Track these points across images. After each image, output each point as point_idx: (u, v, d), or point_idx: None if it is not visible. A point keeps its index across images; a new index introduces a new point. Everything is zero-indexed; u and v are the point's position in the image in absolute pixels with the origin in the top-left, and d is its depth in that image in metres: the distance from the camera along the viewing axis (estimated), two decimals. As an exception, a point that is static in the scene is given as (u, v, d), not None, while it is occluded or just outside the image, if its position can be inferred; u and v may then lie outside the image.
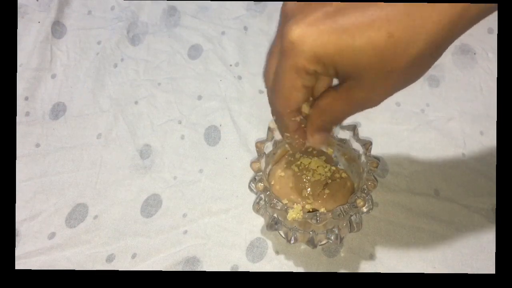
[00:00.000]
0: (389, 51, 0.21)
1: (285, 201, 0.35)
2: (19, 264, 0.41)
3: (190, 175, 0.45)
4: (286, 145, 0.33)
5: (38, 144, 0.48)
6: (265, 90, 0.52)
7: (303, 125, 0.28)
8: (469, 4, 0.20)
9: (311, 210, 0.36)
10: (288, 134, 0.29)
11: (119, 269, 0.40)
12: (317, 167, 0.38)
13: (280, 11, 0.25)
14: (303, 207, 0.35)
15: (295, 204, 0.35)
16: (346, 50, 0.21)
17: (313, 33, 0.22)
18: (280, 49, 0.24)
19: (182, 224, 0.42)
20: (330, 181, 0.37)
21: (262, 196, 0.36)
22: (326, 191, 0.37)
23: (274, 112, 0.28)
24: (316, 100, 0.27)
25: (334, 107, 0.26)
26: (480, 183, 0.43)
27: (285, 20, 0.24)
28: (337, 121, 0.28)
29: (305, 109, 0.28)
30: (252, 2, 0.56)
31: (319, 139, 0.28)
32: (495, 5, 0.21)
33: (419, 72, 0.24)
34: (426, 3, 0.20)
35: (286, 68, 0.24)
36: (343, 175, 0.38)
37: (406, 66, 0.22)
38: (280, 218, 0.36)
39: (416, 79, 0.24)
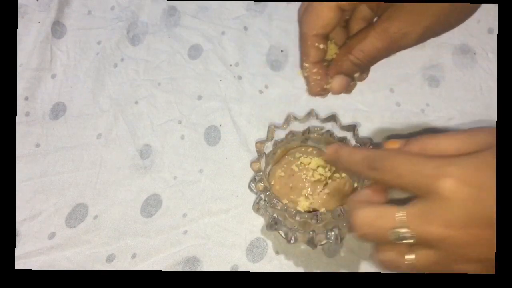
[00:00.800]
0: None
1: (285, 201, 0.35)
2: (19, 264, 0.41)
3: (190, 175, 0.45)
4: (304, 81, 0.29)
5: (38, 144, 0.48)
6: (264, 90, 0.52)
7: (325, 64, 0.26)
8: None
9: (311, 210, 0.36)
10: (307, 65, 0.27)
11: (119, 269, 0.40)
12: (317, 167, 0.38)
13: None
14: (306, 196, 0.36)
15: (298, 199, 0.36)
16: None
17: None
18: None
19: (182, 224, 0.42)
20: (330, 181, 0.37)
21: (262, 196, 0.36)
22: (326, 191, 0.37)
23: (300, 33, 0.26)
24: (346, 40, 0.25)
25: (367, 45, 0.24)
26: (480, 183, 0.43)
27: None
28: (366, 62, 0.25)
29: (332, 50, 0.26)
30: (252, 2, 0.56)
31: (339, 83, 0.27)
32: None
33: (459, 14, 0.22)
34: None
35: None
36: (343, 175, 0.38)
37: None
38: (280, 218, 0.36)
39: (454, 21, 0.23)
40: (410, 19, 0.23)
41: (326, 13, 0.23)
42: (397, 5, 0.22)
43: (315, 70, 0.27)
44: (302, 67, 0.27)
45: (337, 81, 0.26)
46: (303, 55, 0.26)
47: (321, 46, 0.25)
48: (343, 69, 0.26)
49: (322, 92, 0.28)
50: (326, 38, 0.25)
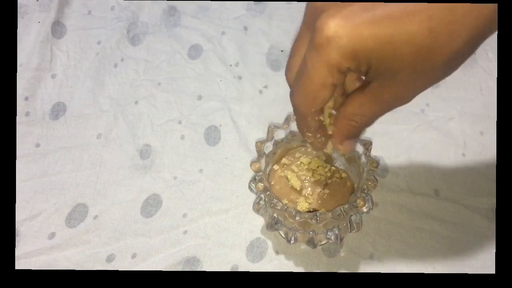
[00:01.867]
0: (428, 47, 0.20)
1: (285, 201, 0.35)
2: (19, 264, 0.41)
3: (190, 175, 0.45)
4: (308, 145, 0.32)
5: (38, 144, 0.48)
6: (264, 90, 0.52)
7: (324, 123, 0.27)
8: None
9: (311, 210, 0.36)
10: (310, 134, 0.27)
11: (119, 269, 0.40)
12: (317, 167, 0.38)
13: (307, 5, 0.24)
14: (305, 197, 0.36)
15: (298, 199, 0.36)
16: (385, 44, 0.20)
17: (350, 27, 0.20)
18: (311, 45, 0.22)
19: (182, 224, 0.42)
20: (330, 181, 0.37)
21: (262, 196, 0.36)
22: (326, 191, 0.37)
23: (296, 112, 0.26)
24: (342, 107, 0.26)
25: (363, 110, 0.25)
26: (480, 183, 0.43)
27: (315, 13, 0.22)
28: (367, 124, 0.26)
29: (326, 110, 0.27)
30: (252, 2, 0.56)
31: (349, 146, 0.27)
32: None
33: (454, 68, 0.23)
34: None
35: (317, 65, 0.22)
36: (343, 175, 0.38)
37: (444, 62, 0.21)
38: (280, 218, 0.36)
39: (448, 75, 0.23)
40: (402, 88, 0.23)
41: (322, 93, 0.23)
42: (388, 75, 0.22)
43: (318, 135, 0.28)
44: (303, 135, 0.28)
45: (347, 145, 0.27)
46: (304, 128, 0.27)
47: (321, 118, 0.26)
48: (349, 135, 0.27)
49: (326, 145, 0.29)
50: (322, 110, 0.26)
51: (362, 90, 0.24)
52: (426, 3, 0.20)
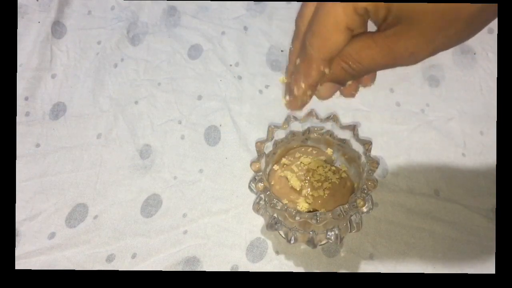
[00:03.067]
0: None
1: (285, 201, 0.35)
2: (19, 264, 0.41)
3: (190, 175, 0.45)
4: (283, 99, 0.27)
5: (38, 144, 0.48)
6: (264, 90, 0.52)
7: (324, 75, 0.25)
8: None
9: (311, 210, 0.36)
10: (304, 85, 0.25)
11: (119, 269, 0.40)
12: (317, 167, 0.38)
13: None
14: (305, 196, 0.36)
15: (298, 199, 0.36)
16: None
17: None
18: None
19: (182, 224, 0.42)
20: (330, 181, 0.37)
21: (262, 196, 0.36)
22: (326, 191, 0.37)
23: (306, 55, 0.24)
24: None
25: (365, 53, 0.23)
26: (480, 183, 0.43)
27: None
28: (361, 72, 0.24)
29: None
30: (252, 2, 0.56)
31: (329, 90, 0.25)
32: None
33: (475, 30, 0.21)
34: None
35: (331, 4, 0.21)
36: (343, 175, 0.38)
37: (469, 17, 0.20)
38: (280, 218, 0.36)
39: (467, 37, 0.22)
40: (419, 40, 0.21)
41: (336, 37, 0.22)
42: (407, 23, 0.21)
43: (309, 92, 0.25)
44: (298, 85, 0.25)
45: (327, 88, 0.25)
46: (304, 75, 0.24)
47: (326, 70, 0.24)
48: (336, 77, 0.24)
49: (301, 108, 0.27)
50: (331, 62, 0.24)
51: (372, 34, 0.22)
52: None
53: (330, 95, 0.25)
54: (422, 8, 0.20)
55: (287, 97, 0.26)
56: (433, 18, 0.20)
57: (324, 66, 0.24)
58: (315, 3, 0.23)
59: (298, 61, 0.24)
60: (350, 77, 0.24)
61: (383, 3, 0.20)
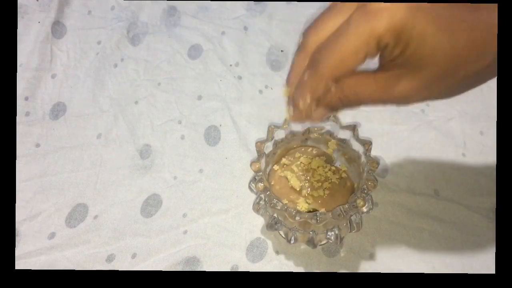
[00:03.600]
0: (472, 54, 0.21)
1: (285, 201, 0.35)
2: (19, 264, 0.41)
3: (190, 175, 0.45)
4: (287, 112, 0.28)
5: (38, 144, 0.48)
6: (264, 90, 0.52)
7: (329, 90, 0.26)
8: None
9: (311, 210, 0.36)
10: (310, 99, 0.25)
11: (119, 269, 0.40)
12: (317, 167, 0.38)
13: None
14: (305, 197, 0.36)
15: (298, 199, 0.36)
16: (434, 35, 0.21)
17: (406, 7, 0.21)
18: (361, 9, 0.22)
19: (182, 224, 0.42)
20: (330, 181, 0.37)
21: (262, 196, 0.36)
22: (326, 191, 0.37)
23: (317, 72, 0.24)
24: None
25: (364, 88, 0.24)
26: (480, 183, 0.43)
27: None
28: (356, 104, 0.25)
29: None
30: (252, 2, 0.56)
31: (319, 114, 0.26)
32: None
33: (474, 84, 0.23)
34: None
35: (360, 29, 0.22)
36: (343, 175, 0.38)
37: (475, 72, 0.22)
38: (280, 218, 0.36)
39: (464, 90, 0.23)
40: (419, 85, 0.22)
41: (353, 62, 0.23)
42: (413, 68, 0.22)
43: (313, 106, 0.26)
44: (303, 98, 0.26)
45: (321, 113, 0.26)
46: (311, 90, 0.25)
47: (333, 88, 0.25)
48: (331, 103, 0.25)
49: (305, 121, 0.27)
50: (339, 80, 0.24)
51: (374, 72, 0.23)
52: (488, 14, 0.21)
53: (321, 119, 0.27)
54: (436, 54, 0.21)
55: (291, 110, 0.27)
56: (441, 68, 0.21)
57: (332, 84, 0.24)
58: (331, 19, 0.23)
59: (306, 75, 0.25)
60: (344, 106, 0.26)
61: (404, 41, 0.21)
